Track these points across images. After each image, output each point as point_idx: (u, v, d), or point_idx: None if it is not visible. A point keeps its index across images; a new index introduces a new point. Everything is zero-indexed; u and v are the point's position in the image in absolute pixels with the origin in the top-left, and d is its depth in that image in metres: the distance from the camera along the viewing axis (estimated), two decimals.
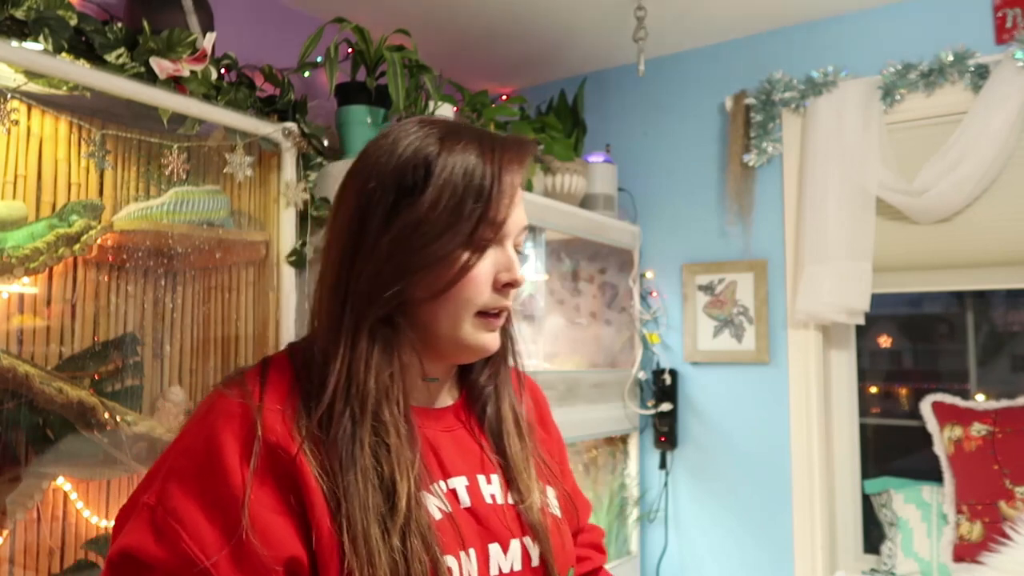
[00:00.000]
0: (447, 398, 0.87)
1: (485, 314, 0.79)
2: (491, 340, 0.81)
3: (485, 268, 0.77)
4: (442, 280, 0.76)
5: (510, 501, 0.82)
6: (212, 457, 0.68)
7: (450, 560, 0.73)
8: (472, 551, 0.76)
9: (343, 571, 0.67)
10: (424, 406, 0.83)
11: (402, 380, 0.76)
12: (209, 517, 0.66)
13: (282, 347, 1.85)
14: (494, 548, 0.78)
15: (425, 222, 0.74)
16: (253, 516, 0.66)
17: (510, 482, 0.83)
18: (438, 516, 0.74)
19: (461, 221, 0.75)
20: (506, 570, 0.78)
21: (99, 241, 1.61)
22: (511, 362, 0.90)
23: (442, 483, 0.78)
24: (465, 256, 0.76)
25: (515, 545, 0.80)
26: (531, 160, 0.81)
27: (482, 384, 0.88)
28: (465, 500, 0.79)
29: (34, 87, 1.46)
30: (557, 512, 0.87)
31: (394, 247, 0.74)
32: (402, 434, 0.74)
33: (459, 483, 0.80)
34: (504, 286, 0.79)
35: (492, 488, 0.82)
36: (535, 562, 0.81)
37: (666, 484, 2.59)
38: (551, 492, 0.88)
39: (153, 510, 0.68)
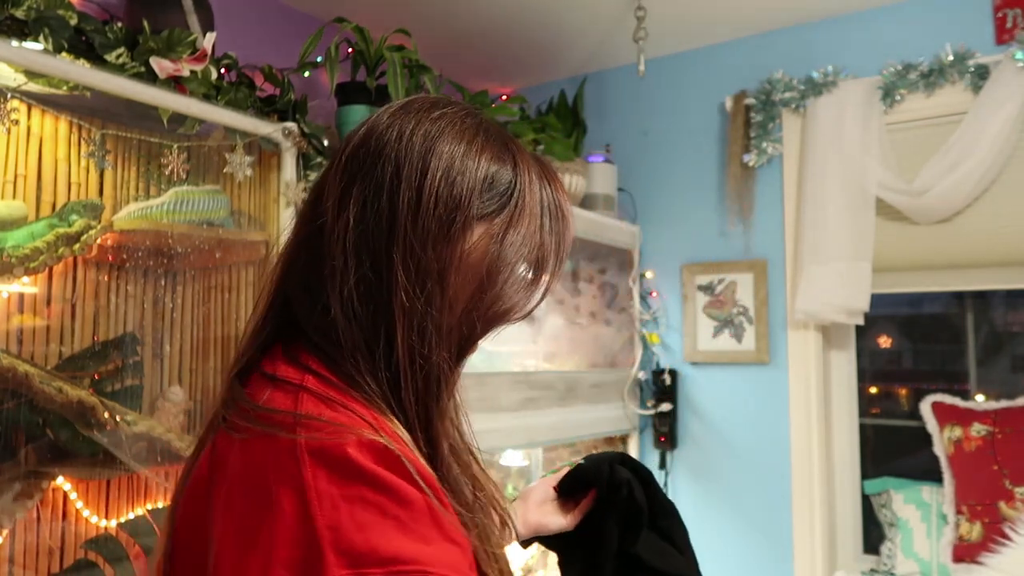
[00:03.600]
0: None
1: None
2: None
3: None
4: (519, 311, 0.69)
5: None
6: (388, 489, 0.56)
7: None
8: None
9: None
10: None
11: None
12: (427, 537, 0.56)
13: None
14: None
15: (516, 243, 0.67)
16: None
17: None
18: None
19: (544, 245, 0.69)
20: None
21: (99, 241, 1.61)
22: None
23: None
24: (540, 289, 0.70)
25: None
26: None
27: None
28: None
29: (34, 87, 1.46)
30: None
31: (491, 266, 0.65)
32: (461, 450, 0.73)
33: None
34: None
35: None
36: None
37: (666, 484, 2.59)
38: None
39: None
